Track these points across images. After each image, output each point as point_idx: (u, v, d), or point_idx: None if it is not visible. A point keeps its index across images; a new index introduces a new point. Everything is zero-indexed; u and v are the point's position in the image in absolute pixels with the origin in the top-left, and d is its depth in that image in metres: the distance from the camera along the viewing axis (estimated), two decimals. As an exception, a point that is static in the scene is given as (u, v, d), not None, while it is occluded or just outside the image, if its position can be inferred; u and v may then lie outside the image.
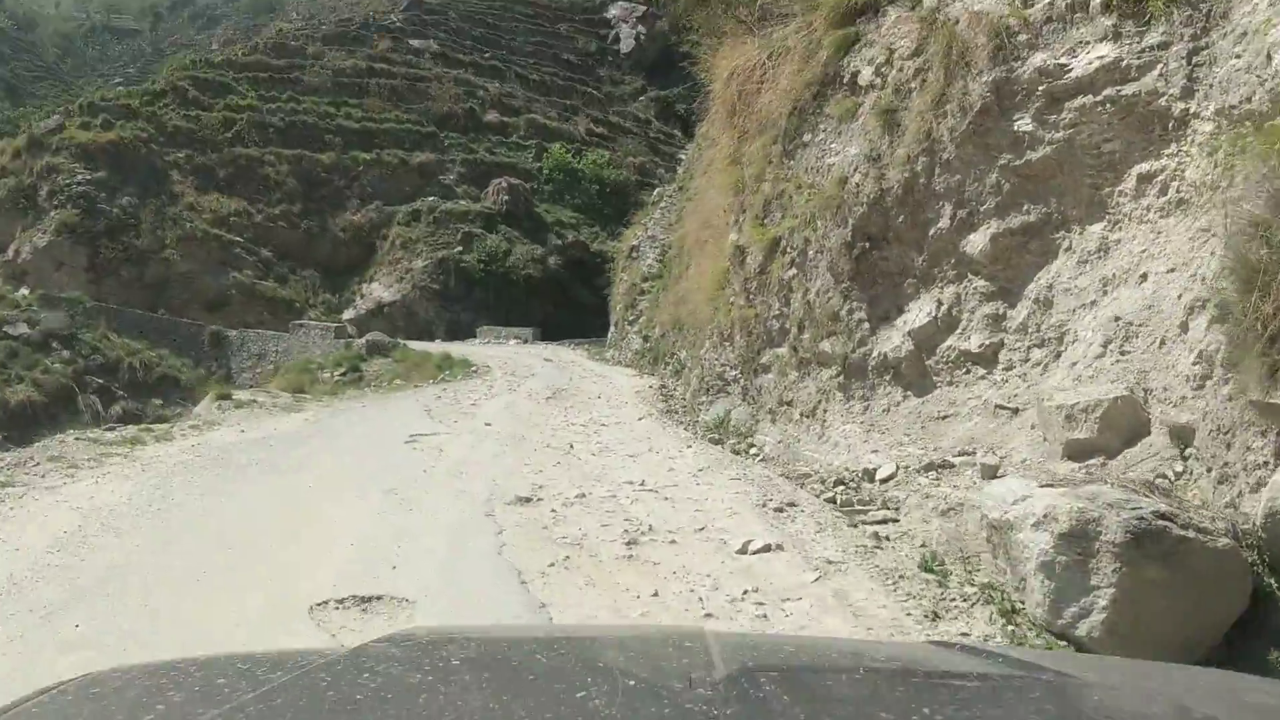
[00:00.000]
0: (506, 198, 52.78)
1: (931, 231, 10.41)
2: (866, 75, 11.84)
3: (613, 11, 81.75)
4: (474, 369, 24.62)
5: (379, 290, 50.46)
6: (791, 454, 10.75)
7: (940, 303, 10.38)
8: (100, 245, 46.95)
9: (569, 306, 51.04)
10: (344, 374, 30.03)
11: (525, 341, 42.64)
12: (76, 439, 10.43)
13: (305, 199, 52.52)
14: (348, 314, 50.15)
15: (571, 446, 11.13)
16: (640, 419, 14.24)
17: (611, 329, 34.41)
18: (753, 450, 11.39)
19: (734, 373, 13.69)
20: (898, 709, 1.46)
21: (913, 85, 10.89)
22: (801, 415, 11.12)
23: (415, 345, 36.28)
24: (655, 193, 37.74)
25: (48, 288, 45.22)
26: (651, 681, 1.53)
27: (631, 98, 74.60)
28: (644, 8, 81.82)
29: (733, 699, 1.41)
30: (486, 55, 67.47)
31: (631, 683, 1.49)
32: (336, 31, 66.45)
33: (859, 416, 10.47)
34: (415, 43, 65.66)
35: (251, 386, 39.66)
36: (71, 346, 40.30)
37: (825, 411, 10.78)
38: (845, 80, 12.24)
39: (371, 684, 1.50)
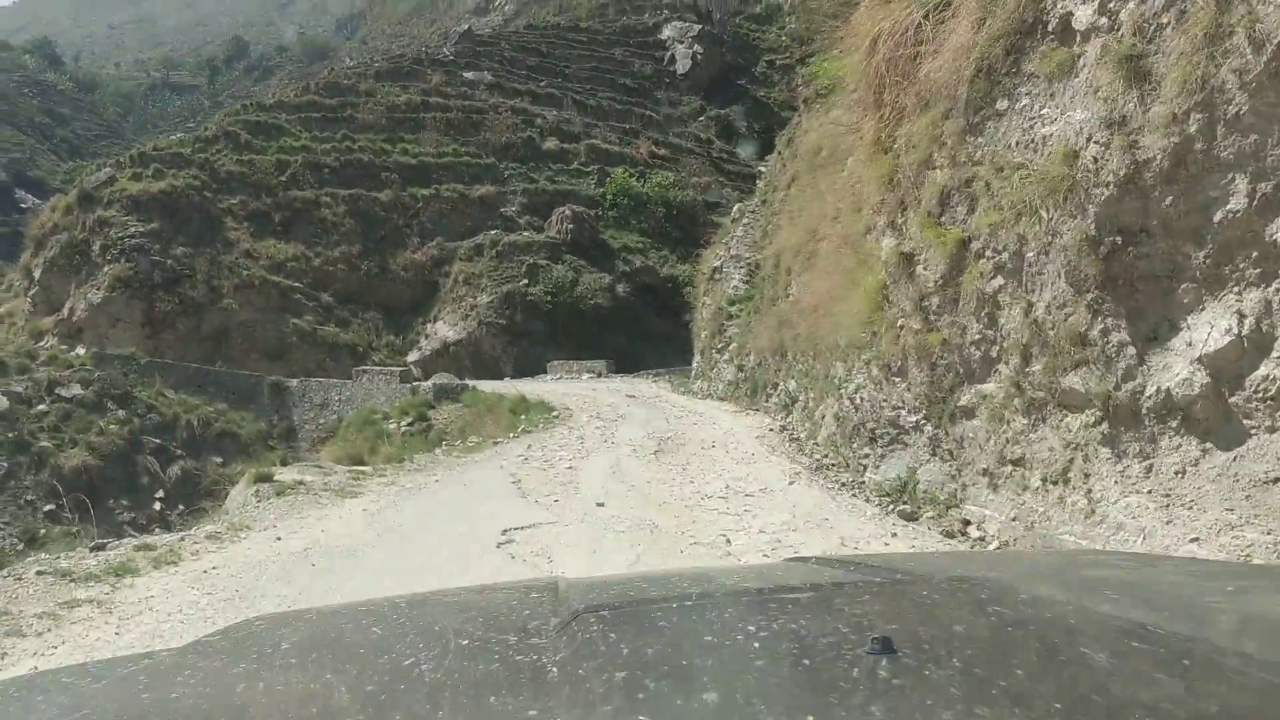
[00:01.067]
0: (571, 226, 50.06)
1: (1217, 216, 7.18)
2: (1084, 16, 8.59)
3: (667, 33, 79.18)
4: (555, 413, 21.67)
5: (444, 329, 47.90)
6: (1040, 537, 7.55)
7: (1242, 315, 7.12)
8: (156, 298, 44.90)
9: (641, 335, 48.11)
10: (411, 424, 27.32)
11: (599, 375, 39.70)
12: (39, 573, 7.46)
13: (364, 239, 50.23)
14: (412, 356, 47.63)
15: (728, 541, 8.03)
16: (790, 481, 11.10)
17: (697, 358, 31.33)
18: (970, 529, 8.21)
19: (912, 417, 10.50)
20: (718, 628, 1.47)
21: (1164, 19, 7.64)
22: (1045, 481, 7.90)
23: (485, 386, 33.57)
24: (735, 209, 34.70)
25: (104, 345, 43.28)
26: (485, 638, 1.50)
27: (691, 118, 71.82)
28: (699, 26, 79.20)
29: (562, 644, 1.39)
30: (541, 84, 65.07)
31: (464, 642, 1.46)
32: (389, 68, 64.43)
33: (1142, 482, 7.24)
34: (469, 75, 63.44)
35: (313, 439, 37.20)
36: (127, 406, 38.15)
37: (1086, 475, 7.56)
38: (1051, 27, 9.02)
39: (191, 680, 1.45)
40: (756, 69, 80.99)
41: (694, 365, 31.84)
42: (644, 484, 11.05)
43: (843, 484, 10.90)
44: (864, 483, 10.85)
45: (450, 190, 51.88)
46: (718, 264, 31.43)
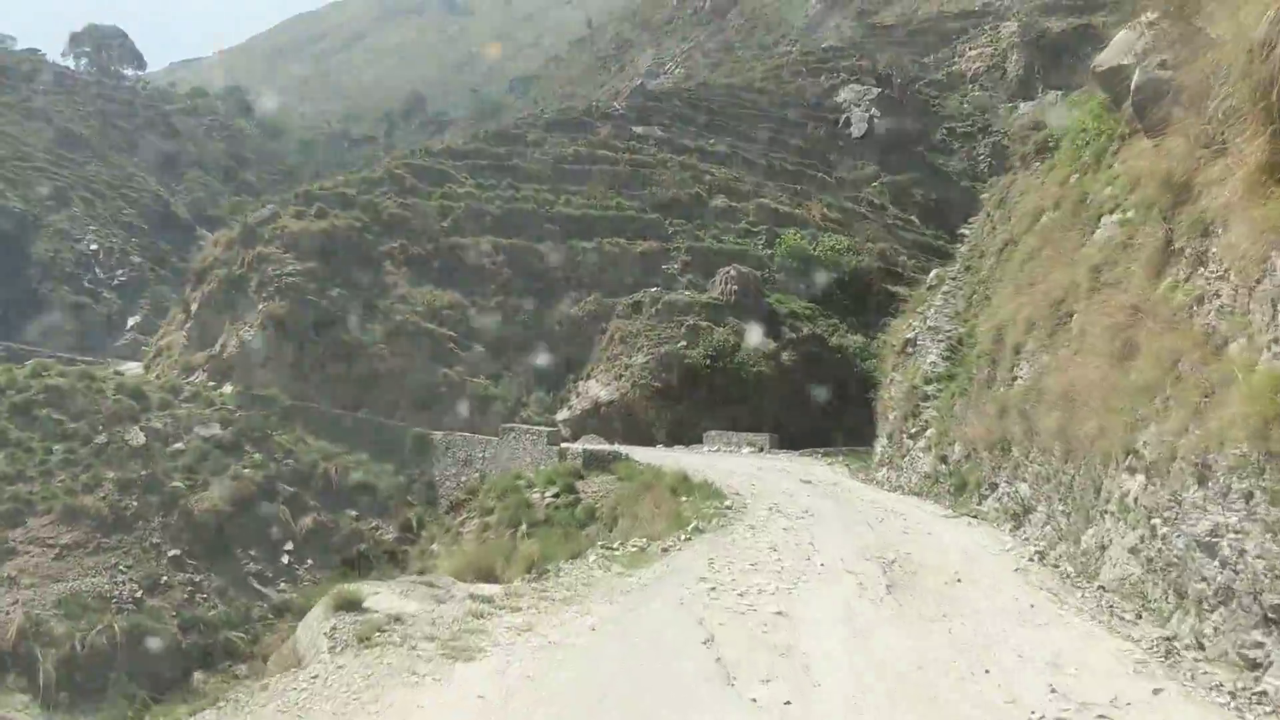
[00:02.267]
0: (735, 287, 46.49)
1: None
2: None
3: (843, 95, 75.56)
4: (726, 502, 17.98)
5: (596, 388, 44.73)
6: None
7: None
8: (307, 339, 43.04)
9: (805, 409, 43.94)
10: (557, 495, 24.00)
11: (761, 450, 35.78)
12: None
13: (521, 291, 47.67)
14: (562, 414, 44.58)
15: None
16: (1156, 690, 7.05)
17: (882, 442, 27.18)
18: None
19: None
20: None
21: None
22: None
23: (638, 454, 30.11)
24: (932, 276, 30.61)
25: (252, 384, 41.59)
26: None
27: (864, 183, 67.77)
28: (877, 90, 75.35)
29: None
30: (711, 141, 62.18)
31: None
32: (558, 119, 62.57)
33: None
34: (639, 129, 61.04)
35: (453, 498, 34.22)
36: (265, 449, 35.97)
37: None
38: None
39: None
40: (935, 136, 76.55)
41: (877, 449, 27.68)
42: (911, 671, 7.21)
43: (1231, 694, 6.81)
44: (1265, 694, 6.74)
45: (612, 244, 49.05)
46: (911, 335, 27.37)
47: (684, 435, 41.37)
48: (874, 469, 27.20)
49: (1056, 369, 16.24)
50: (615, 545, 11.83)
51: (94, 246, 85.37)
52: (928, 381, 25.25)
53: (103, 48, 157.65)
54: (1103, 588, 10.93)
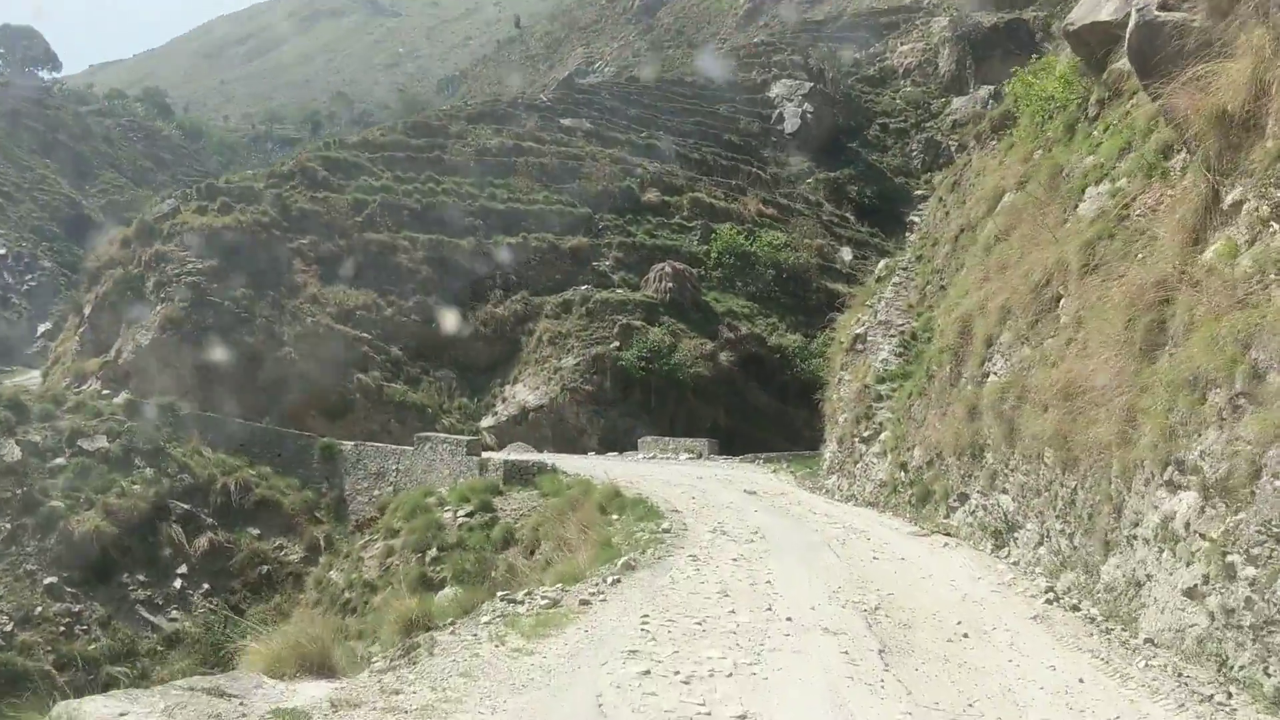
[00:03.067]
0: (670, 285, 43.91)
1: None
2: None
3: (776, 90, 73.40)
4: (663, 523, 15.29)
5: (523, 393, 41.84)
6: None
7: None
8: (209, 343, 39.51)
9: (745, 412, 41.55)
10: (471, 515, 21.09)
11: (699, 457, 33.16)
12: None
13: (442, 289, 44.56)
14: (487, 421, 41.64)
15: None
16: None
17: (831, 447, 24.65)
18: None
19: None
20: None
21: None
22: None
23: (568, 463, 27.35)
24: (880, 266, 28.22)
25: (149, 392, 37.97)
26: None
27: (799, 179, 65.64)
28: (810, 85, 73.32)
29: None
30: (642, 134, 59.51)
31: None
32: (482, 110, 59.52)
33: None
34: (566, 121, 58.22)
35: (363, 516, 31.16)
36: (157, 464, 32.50)
37: None
38: None
39: None
40: (869, 132, 74.72)
41: (826, 454, 25.16)
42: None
43: None
44: None
45: (539, 240, 46.15)
46: (860, 331, 24.91)
47: (618, 442, 38.68)
48: (823, 476, 24.68)
49: (1044, 363, 13.79)
50: (520, 597, 9.04)
51: (2, 251, 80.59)
52: (880, 380, 22.80)
53: (15, 48, 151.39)
54: (1151, 642, 8.38)
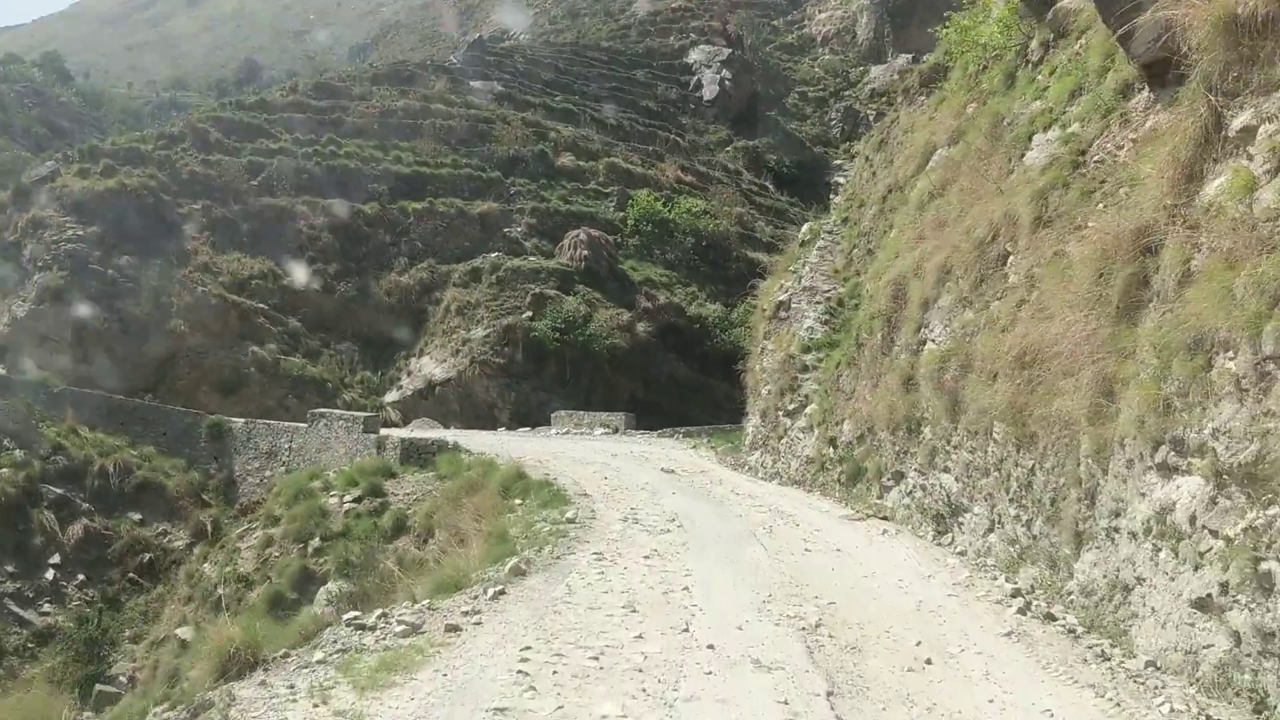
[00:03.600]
0: (585, 253, 41.92)
1: None
2: None
3: (694, 56, 71.51)
4: (568, 510, 13.53)
5: (429, 366, 39.61)
6: None
7: None
8: (90, 315, 36.60)
9: (663, 385, 39.87)
10: (358, 500, 19.04)
11: (616, 432, 31.39)
12: None
13: (343, 257, 42.03)
14: (391, 395, 39.38)
15: None
16: None
17: (754, 420, 23.01)
18: None
19: None
20: None
21: None
22: None
23: (474, 440, 25.50)
24: (804, 229, 26.55)
25: (24, 367, 34.99)
26: None
27: (717, 147, 63.95)
28: (728, 51, 71.56)
29: None
30: (557, 99, 57.23)
31: None
32: (387, 72, 56.67)
33: None
34: (476, 84, 55.68)
35: (253, 498, 28.81)
36: (27, 445, 29.75)
37: None
38: None
39: None
40: (788, 101, 73.32)
41: (749, 429, 23.51)
42: None
43: None
44: None
45: (447, 205, 43.79)
46: (783, 298, 23.28)
47: (531, 417, 36.74)
48: (745, 452, 23.05)
49: (992, 327, 12.23)
50: (372, 621, 7.12)
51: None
52: (806, 350, 21.17)
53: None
54: (1155, 666, 6.77)
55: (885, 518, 14.14)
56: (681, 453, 24.50)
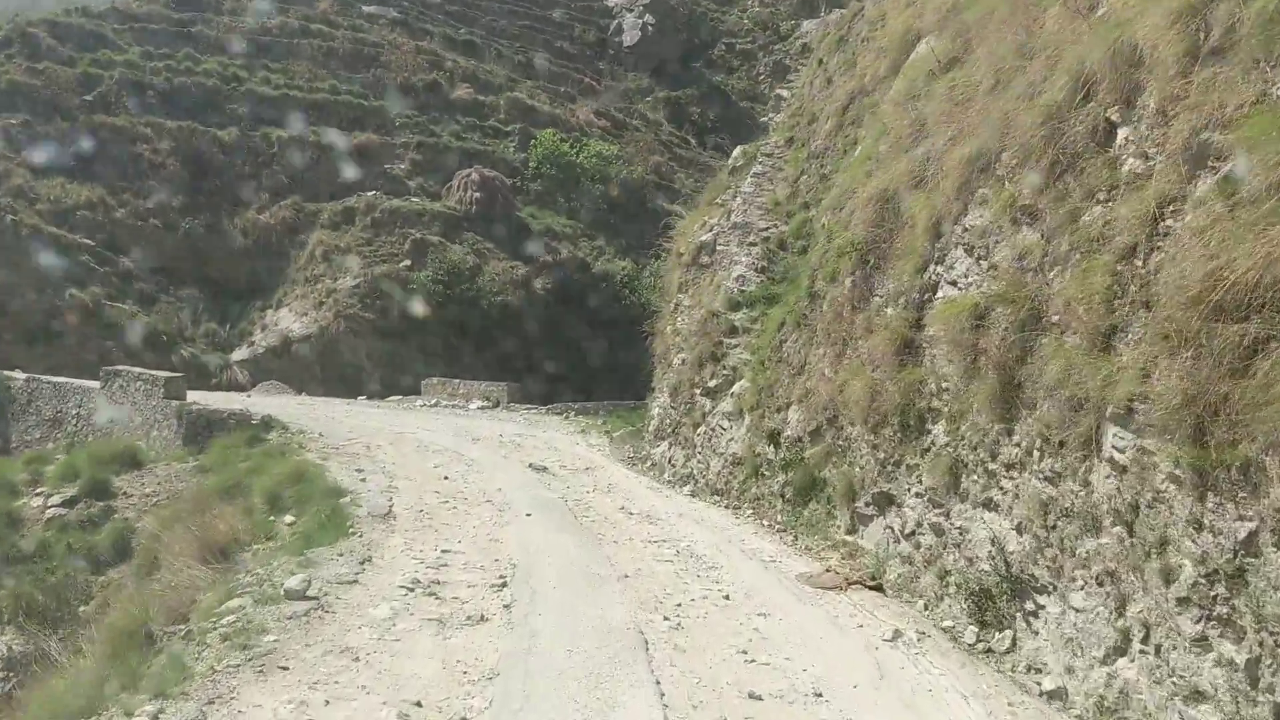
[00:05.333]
0: (477, 195, 35.57)
1: None
2: None
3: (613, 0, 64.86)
4: (338, 548, 7.59)
5: (288, 320, 33.00)
6: None
7: None
8: None
9: (561, 350, 33.80)
10: (68, 505, 12.71)
11: (495, 406, 25.32)
12: None
13: (191, 189, 35.00)
14: (240, 353, 32.73)
15: None
16: None
17: (662, 400, 17.02)
18: None
19: None
20: None
21: None
22: None
23: (311, 411, 19.66)
24: (735, 154, 20.51)
25: None
26: None
27: (637, 96, 57.61)
28: (652, -6, 65.06)
29: None
30: (460, 31, 50.34)
31: None
32: (268, -11, 49.18)
33: None
34: (369, 8, 48.44)
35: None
36: None
37: None
38: None
39: None
40: (714, 53, 67.17)
41: (654, 410, 17.52)
42: None
43: None
44: None
45: (319, 134, 36.89)
46: (707, 238, 17.32)
47: (405, 383, 30.41)
48: (650, 442, 17.08)
49: (1093, 250, 6.41)
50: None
51: None
52: (735, 306, 15.29)
53: None
54: None
55: (872, 582, 8.34)
56: (567, 438, 18.49)
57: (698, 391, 15.13)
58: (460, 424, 20.46)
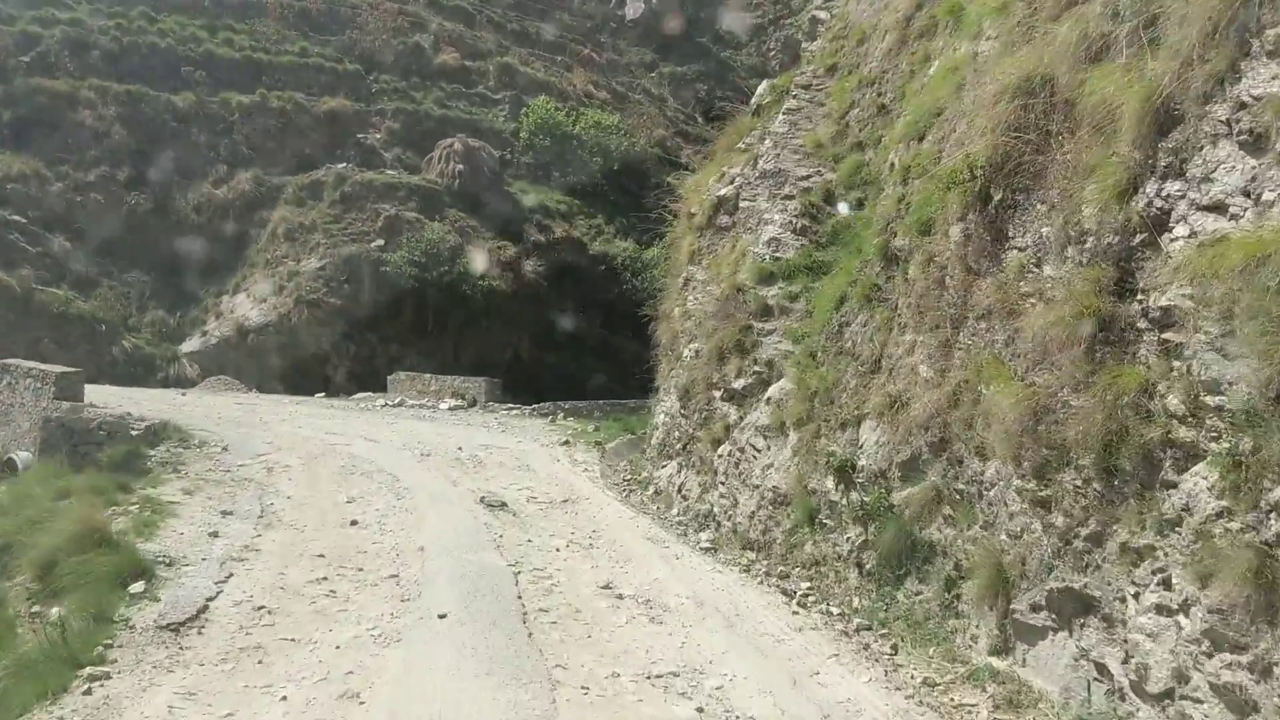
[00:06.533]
0: (460, 167, 31.34)
1: None
2: None
3: (617, -31, 60.56)
4: (76, 692, 3.10)
5: (245, 307, 28.83)
6: None
7: None
8: None
9: (554, 341, 29.68)
10: None
11: (471, 406, 21.22)
12: None
13: (140, 160, 30.82)
14: (191, 344, 28.62)
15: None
16: None
17: (669, 403, 12.74)
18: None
19: None
20: None
21: None
22: None
23: (258, 410, 15.52)
24: (761, 89, 16.16)
25: None
26: None
27: (640, 71, 53.32)
28: (657, -36, 60.75)
29: None
30: (451, -2, 46.00)
31: None
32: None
33: None
34: (351, -30, 44.08)
35: None
36: None
37: None
38: None
39: None
40: (721, 27, 62.90)
41: (659, 418, 13.25)
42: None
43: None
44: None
45: (284, 100, 32.67)
46: (726, 192, 13.07)
47: (376, 377, 26.32)
48: (653, 461, 12.83)
49: None
50: None
51: None
52: (766, 279, 11.09)
53: None
54: None
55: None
56: (546, 451, 14.29)
57: (717, 394, 10.92)
58: (418, 430, 16.30)
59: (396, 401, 21.67)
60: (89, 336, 27.29)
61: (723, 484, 9.90)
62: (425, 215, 30.09)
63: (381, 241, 29.11)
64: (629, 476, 12.74)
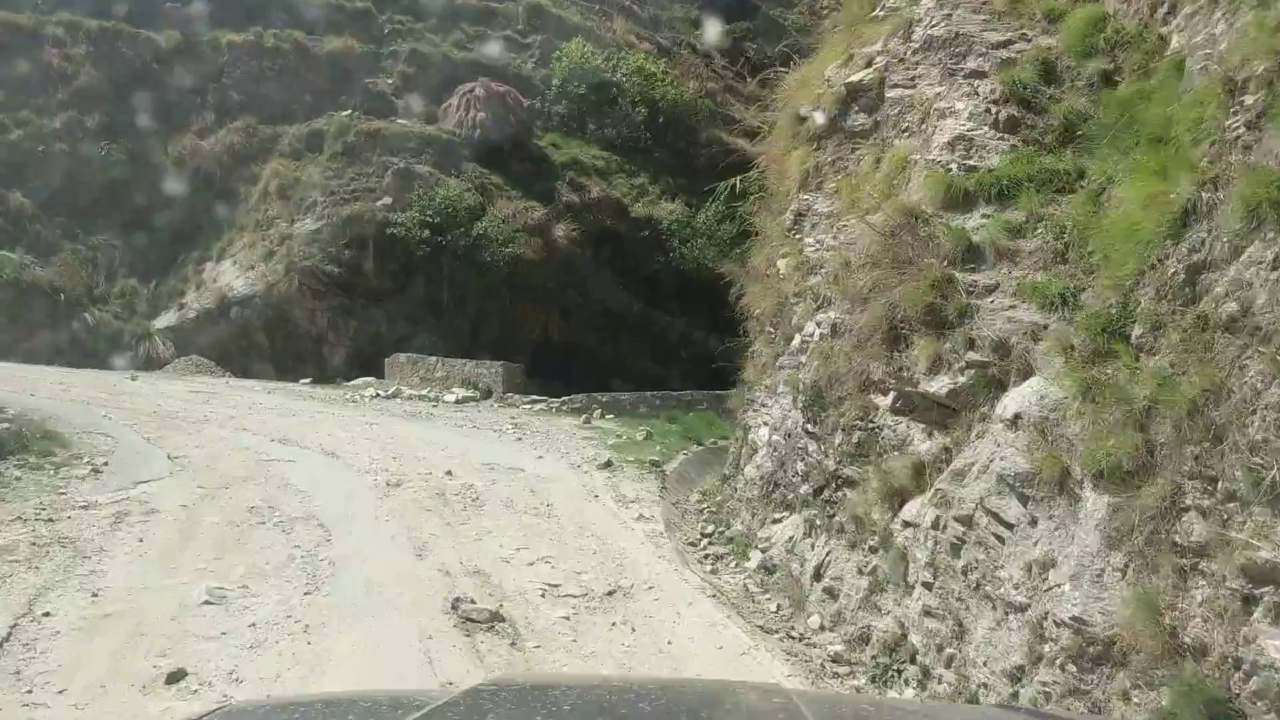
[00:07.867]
0: (482, 115, 26.46)
1: None
2: None
3: (660, -80, 55.52)
4: None
5: (230, 275, 24.28)
6: None
7: None
8: None
9: (588, 319, 24.94)
10: None
11: (485, 397, 16.55)
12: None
13: (114, 104, 26.29)
14: (167, 319, 24.13)
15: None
16: None
17: (776, 414, 7.82)
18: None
19: None
20: None
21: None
22: None
23: (213, 402, 12.77)
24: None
25: None
26: None
27: (685, 28, 48.34)
28: (703, -87, 55.66)
29: None
30: (477, -58, 41.14)
31: None
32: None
33: None
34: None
35: None
36: None
37: None
38: None
39: None
40: (770, -15, 57.83)
41: (756, 433, 8.30)
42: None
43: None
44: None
45: (281, 39, 27.95)
46: (863, 76, 8.09)
47: (376, 361, 21.68)
48: (750, 509, 7.89)
49: None
50: None
51: None
52: (959, 201, 6.24)
53: None
54: None
55: None
56: (578, 478, 9.45)
57: (883, 402, 6.05)
58: (402, 437, 11.54)
59: (391, 392, 16.98)
60: (49, 309, 22.92)
61: (925, 585, 5.00)
62: (441, 171, 25.29)
63: (389, 200, 24.35)
64: (707, 527, 7.89)
